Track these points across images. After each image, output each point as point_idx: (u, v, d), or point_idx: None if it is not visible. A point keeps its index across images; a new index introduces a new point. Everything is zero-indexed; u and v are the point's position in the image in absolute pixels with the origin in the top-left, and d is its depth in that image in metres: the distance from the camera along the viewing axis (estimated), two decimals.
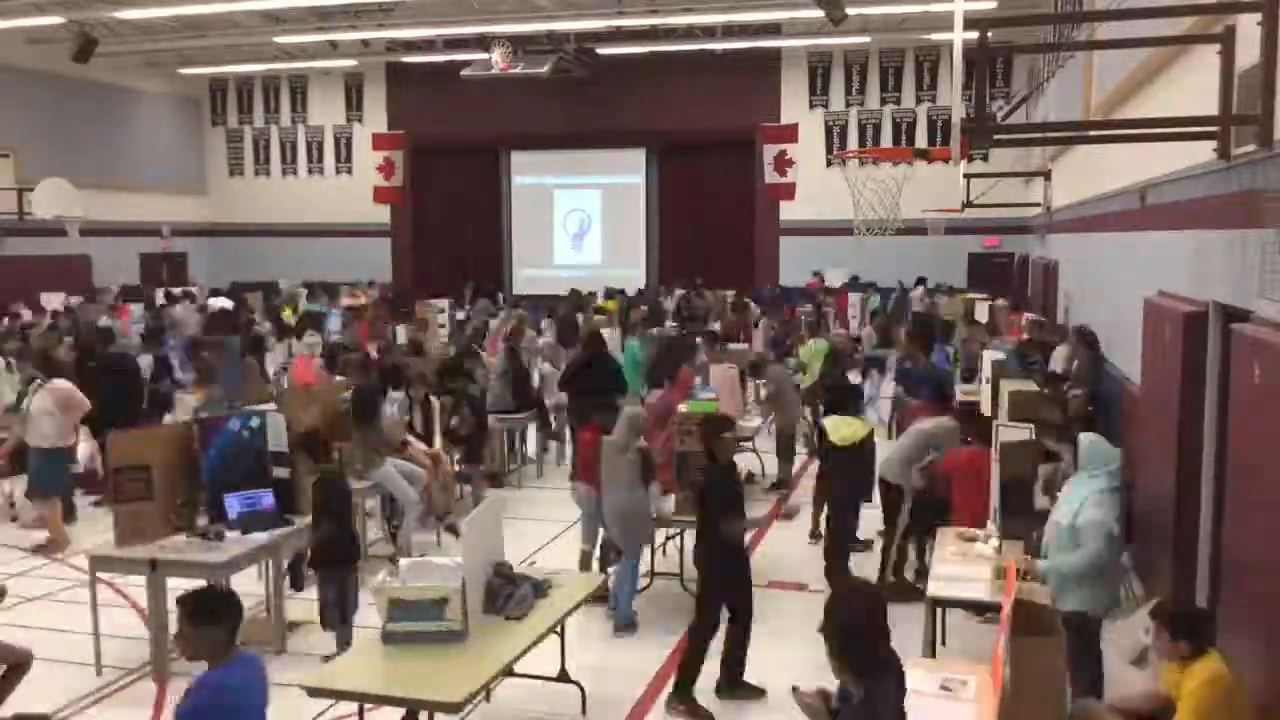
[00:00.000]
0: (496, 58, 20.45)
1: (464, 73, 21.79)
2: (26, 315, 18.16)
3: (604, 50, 21.96)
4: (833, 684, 3.65)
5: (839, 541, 7.80)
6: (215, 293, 22.96)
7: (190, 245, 26.25)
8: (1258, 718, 4.33)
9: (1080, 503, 5.43)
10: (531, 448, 12.03)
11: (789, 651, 6.70)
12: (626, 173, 26.00)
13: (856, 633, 3.42)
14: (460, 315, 19.75)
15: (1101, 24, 9.67)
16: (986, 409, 9.60)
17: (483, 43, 20.87)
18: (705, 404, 9.22)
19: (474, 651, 5.12)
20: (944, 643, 6.49)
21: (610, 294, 20.92)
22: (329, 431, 7.90)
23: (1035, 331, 12.66)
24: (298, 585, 7.42)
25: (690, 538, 8.01)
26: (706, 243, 24.72)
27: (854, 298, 21.05)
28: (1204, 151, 6.03)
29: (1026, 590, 5.18)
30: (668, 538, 8.45)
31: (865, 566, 8.06)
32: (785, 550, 9.18)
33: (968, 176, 16.69)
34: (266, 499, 7.10)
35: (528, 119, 24.29)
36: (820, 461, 8.87)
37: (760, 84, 23.66)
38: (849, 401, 8.52)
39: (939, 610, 6.10)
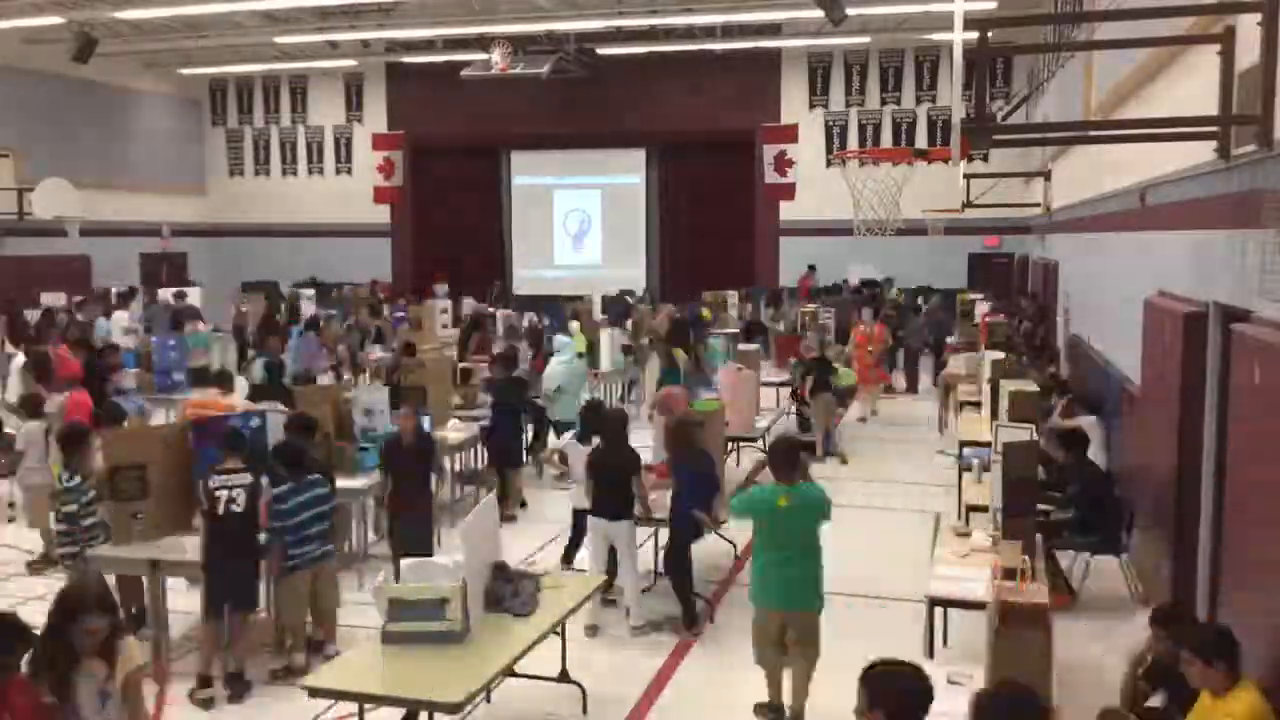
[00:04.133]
0: (496, 58, 20.44)
1: (464, 73, 21.79)
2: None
3: (604, 50, 21.95)
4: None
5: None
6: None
7: (190, 245, 26.23)
8: None
9: None
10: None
11: None
12: (626, 173, 25.99)
13: None
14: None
15: (1101, 24, 9.67)
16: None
17: (483, 43, 20.88)
18: (708, 403, 9.21)
19: (474, 651, 5.13)
20: (945, 643, 6.49)
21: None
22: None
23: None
24: None
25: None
26: (706, 243, 24.69)
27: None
28: (1204, 151, 6.03)
29: (1027, 591, 5.18)
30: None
31: None
32: None
33: (968, 176, 16.69)
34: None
35: (528, 119, 24.28)
36: None
37: (760, 84, 23.64)
38: None
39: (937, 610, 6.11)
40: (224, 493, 6.21)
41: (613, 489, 7.14)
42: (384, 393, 9.34)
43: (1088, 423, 8.96)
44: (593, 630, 7.17)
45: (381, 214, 26.12)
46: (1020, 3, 17.06)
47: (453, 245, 26.16)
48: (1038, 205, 17.54)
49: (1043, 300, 17.36)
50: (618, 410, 8.71)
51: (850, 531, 9.74)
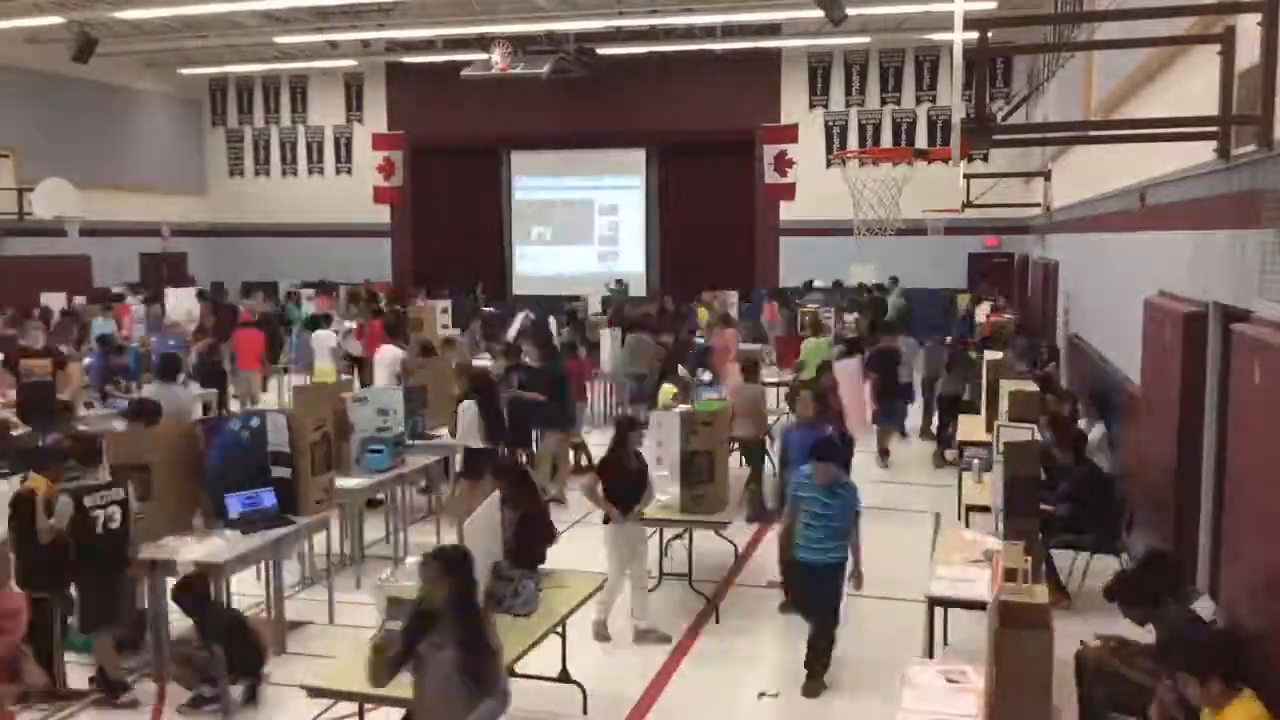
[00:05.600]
0: (496, 58, 20.44)
1: (464, 73, 21.78)
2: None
3: (604, 50, 21.95)
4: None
5: None
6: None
7: (190, 245, 26.24)
8: None
9: None
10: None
11: (787, 654, 6.71)
12: (626, 173, 25.97)
13: None
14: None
15: (1101, 24, 9.66)
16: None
17: (483, 43, 20.87)
18: (710, 403, 9.22)
19: None
20: (945, 643, 6.50)
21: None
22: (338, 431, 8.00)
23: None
24: None
25: (698, 537, 8.03)
26: (706, 243, 24.67)
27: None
28: (1204, 151, 6.04)
29: (1028, 591, 5.18)
30: (674, 537, 8.44)
31: None
32: None
33: (968, 176, 16.70)
34: (267, 499, 7.09)
35: (528, 119, 24.27)
36: None
37: (760, 84, 23.63)
38: None
39: (938, 610, 6.11)
40: (100, 512, 6.02)
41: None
42: (399, 393, 9.33)
43: (1096, 434, 8.88)
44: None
45: (381, 214, 26.10)
46: (1020, 3, 17.06)
47: (453, 245, 26.15)
48: (1038, 205, 17.55)
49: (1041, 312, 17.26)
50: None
51: None
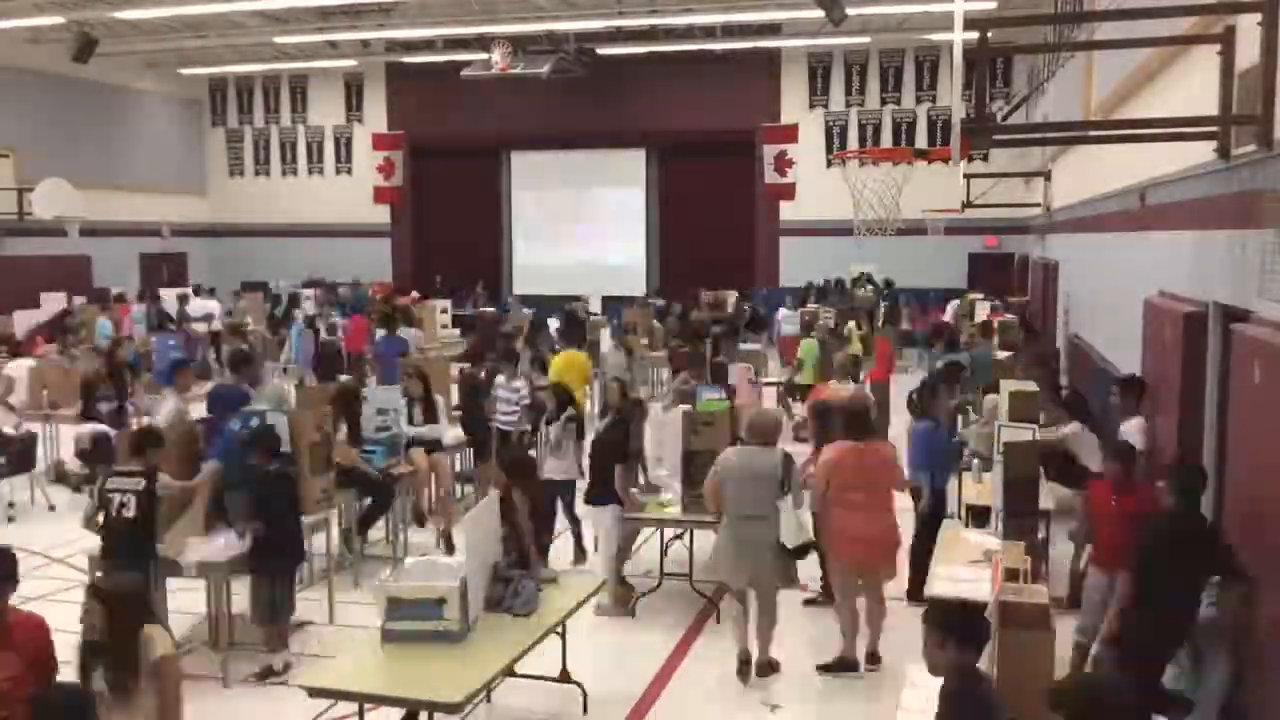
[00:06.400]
0: (496, 58, 20.47)
1: (464, 73, 21.80)
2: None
3: (604, 50, 21.97)
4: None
5: None
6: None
7: (190, 245, 26.25)
8: None
9: None
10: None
11: (788, 654, 6.71)
12: (627, 173, 25.98)
13: None
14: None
15: (1101, 24, 9.67)
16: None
17: (483, 43, 20.90)
18: (711, 404, 9.19)
19: (474, 651, 5.12)
20: None
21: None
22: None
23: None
24: None
25: (699, 537, 8.02)
26: (707, 243, 24.69)
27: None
28: (1204, 151, 6.04)
29: (1027, 591, 5.19)
30: (674, 537, 8.43)
31: None
32: None
33: (968, 176, 16.71)
34: None
35: (528, 119, 24.29)
36: None
37: (760, 84, 23.65)
38: None
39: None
40: (115, 495, 6.07)
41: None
42: (398, 392, 9.30)
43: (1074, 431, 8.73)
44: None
45: (381, 214, 26.13)
46: (1020, 3, 17.06)
47: (453, 245, 26.16)
48: (1038, 205, 17.56)
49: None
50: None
51: None
